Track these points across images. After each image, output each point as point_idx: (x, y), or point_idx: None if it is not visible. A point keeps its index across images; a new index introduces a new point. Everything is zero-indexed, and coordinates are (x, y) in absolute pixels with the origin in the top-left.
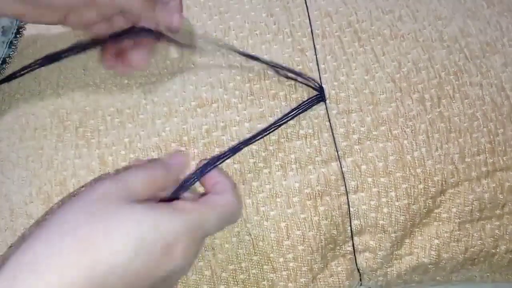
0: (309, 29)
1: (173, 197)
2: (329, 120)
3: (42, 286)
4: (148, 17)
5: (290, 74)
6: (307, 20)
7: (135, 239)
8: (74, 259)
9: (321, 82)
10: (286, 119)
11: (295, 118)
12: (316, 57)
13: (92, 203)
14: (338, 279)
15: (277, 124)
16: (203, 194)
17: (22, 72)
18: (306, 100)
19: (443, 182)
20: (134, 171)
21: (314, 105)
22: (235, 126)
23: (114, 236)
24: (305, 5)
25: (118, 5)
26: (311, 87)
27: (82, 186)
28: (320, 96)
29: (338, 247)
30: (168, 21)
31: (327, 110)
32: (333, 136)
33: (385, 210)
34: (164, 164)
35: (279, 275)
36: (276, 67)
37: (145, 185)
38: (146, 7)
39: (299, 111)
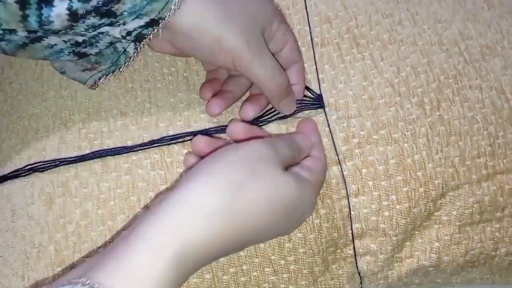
0: (309, 37)
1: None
2: (329, 126)
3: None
4: (273, 102)
5: None
6: (307, 28)
7: (282, 205)
8: (221, 197)
9: (320, 91)
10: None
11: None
12: (316, 67)
13: (253, 162)
14: (339, 282)
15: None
16: None
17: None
18: (303, 103)
19: (444, 185)
20: (282, 141)
21: (312, 109)
22: None
23: (263, 197)
24: (305, 11)
25: (255, 82)
26: (308, 96)
27: (85, 188)
28: (318, 103)
29: (339, 250)
30: (286, 112)
31: (326, 116)
32: (333, 141)
33: (386, 213)
34: (301, 142)
35: (280, 278)
36: None
37: (288, 155)
38: (277, 97)
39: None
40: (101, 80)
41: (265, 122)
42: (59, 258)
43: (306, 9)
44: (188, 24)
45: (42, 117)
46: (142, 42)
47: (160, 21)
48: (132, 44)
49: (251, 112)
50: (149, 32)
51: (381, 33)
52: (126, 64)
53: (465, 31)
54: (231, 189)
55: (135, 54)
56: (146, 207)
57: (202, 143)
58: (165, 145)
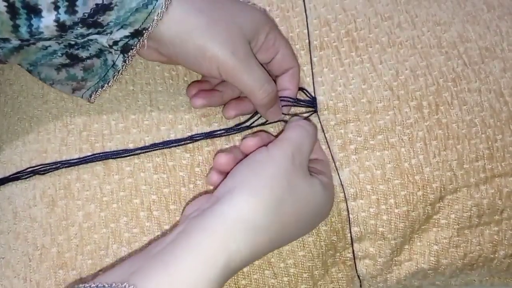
0: (307, 40)
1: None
2: (324, 133)
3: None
4: (260, 110)
5: None
6: (306, 31)
7: (310, 216)
8: (265, 212)
9: (315, 94)
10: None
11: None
12: (312, 71)
13: (287, 172)
14: (339, 285)
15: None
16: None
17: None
18: (298, 103)
19: (442, 189)
20: (306, 141)
21: (306, 109)
22: (237, 135)
23: (296, 211)
24: (304, 13)
25: (243, 91)
26: (302, 100)
27: (87, 190)
28: (312, 105)
29: (338, 254)
30: (272, 120)
31: (320, 122)
32: (330, 149)
33: (384, 217)
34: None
35: (280, 281)
36: None
37: (310, 151)
38: (265, 105)
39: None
40: (93, 97)
41: (257, 125)
42: (61, 260)
43: (305, 12)
44: (171, 33)
45: (43, 119)
46: (129, 53)
47: (144, 31)
48: (121, 56)
49: (232, 111)
50: (135, 42)
51: (380, 36)
52: (114, 78)
53: (464, 33)
54: (274, 203)
55: (124, 67)
56: (149, 210)
57: (224, 161)
58: (165, 148)
